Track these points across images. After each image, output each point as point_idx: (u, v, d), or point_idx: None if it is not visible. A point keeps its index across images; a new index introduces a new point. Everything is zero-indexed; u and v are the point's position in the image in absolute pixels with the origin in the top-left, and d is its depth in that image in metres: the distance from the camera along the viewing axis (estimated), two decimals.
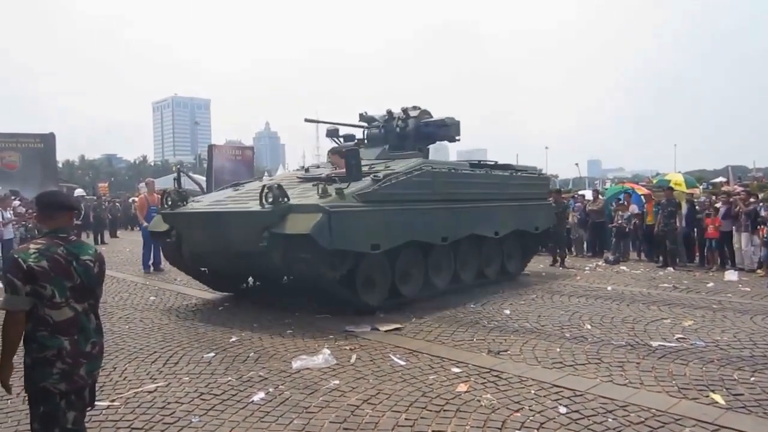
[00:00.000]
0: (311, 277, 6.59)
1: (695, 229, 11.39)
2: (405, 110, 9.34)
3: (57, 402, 2.49)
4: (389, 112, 9.30)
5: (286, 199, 6.37)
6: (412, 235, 7.30)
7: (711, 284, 8.95)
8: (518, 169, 10.07)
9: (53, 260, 2.47)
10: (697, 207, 11.48)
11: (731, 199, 10.81)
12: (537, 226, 9.87)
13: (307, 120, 9.67)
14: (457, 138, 9.58)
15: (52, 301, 2.46)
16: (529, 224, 9.72)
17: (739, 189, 12.11)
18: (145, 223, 10.90)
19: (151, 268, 11.29)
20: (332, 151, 8.82)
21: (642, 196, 13.55)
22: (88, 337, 2.58)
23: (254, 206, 6.58)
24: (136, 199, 12.17)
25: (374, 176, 7.01)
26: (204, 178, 20.52)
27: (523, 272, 10.12)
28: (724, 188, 12.82)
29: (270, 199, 6.37)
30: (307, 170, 8.82)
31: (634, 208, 12.80)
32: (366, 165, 7.42)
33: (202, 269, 8.16)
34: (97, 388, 2.84)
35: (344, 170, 6.76)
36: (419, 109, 9.44)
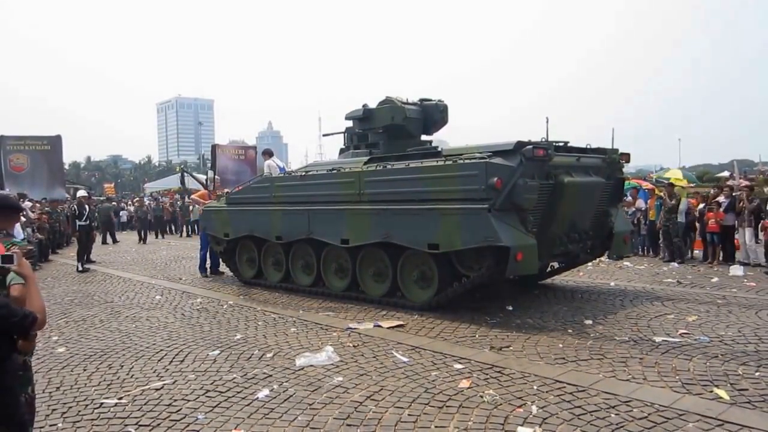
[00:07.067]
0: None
1: (696, 224, 11.41)
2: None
3: None
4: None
5: None
6: (250, 231, 8.76)
7: (715, 279, 8.91)
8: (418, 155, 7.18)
9: None
10: (689, 202, 11.54)
11: (734, 194, 10.77)
12: (437, 242, 6.41)
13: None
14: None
15: None
16: (413, 237, 6.63)
17: (744, 184, 12.03)
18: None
19: (208, 272, 10.55)
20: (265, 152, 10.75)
21: (647, 192, 13.54)
22: None
23: None
24: (196, 196, 11.62)
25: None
26: (204, 176, 20.64)
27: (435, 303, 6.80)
28: (729, 182, 12.74)
29: None
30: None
31: (640, 204, 12.77)
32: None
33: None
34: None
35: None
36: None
